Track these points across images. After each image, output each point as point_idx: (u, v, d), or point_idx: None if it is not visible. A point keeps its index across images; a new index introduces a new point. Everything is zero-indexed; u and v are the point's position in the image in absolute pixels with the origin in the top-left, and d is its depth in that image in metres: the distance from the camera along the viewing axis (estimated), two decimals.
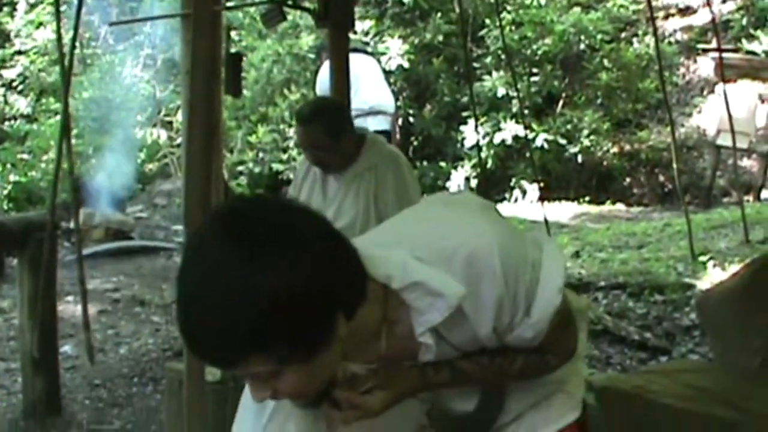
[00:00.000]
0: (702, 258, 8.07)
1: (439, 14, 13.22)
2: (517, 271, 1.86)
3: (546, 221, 8.46)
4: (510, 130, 12.31)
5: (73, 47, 5.73)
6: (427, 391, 1.97)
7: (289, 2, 6.36)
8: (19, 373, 6.21)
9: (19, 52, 14.55)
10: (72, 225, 8.25)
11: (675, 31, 14.36)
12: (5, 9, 15.06)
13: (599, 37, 13.10)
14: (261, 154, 12.80)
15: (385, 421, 1.99)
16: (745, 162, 12.80)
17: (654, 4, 10.86)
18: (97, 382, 6.48)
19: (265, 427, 1.90)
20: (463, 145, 12.77)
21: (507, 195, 12.67)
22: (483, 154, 12.01)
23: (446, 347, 1.90)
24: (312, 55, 12.86)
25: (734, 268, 6.79)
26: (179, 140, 11.71)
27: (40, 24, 14.30)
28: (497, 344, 1.94)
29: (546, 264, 1.94)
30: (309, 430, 1.92)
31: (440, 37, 13.12)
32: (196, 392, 2.84)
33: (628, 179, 13.53)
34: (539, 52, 12.91)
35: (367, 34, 13.23)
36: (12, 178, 11.74)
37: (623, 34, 14.03)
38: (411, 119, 13.12)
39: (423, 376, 1.92)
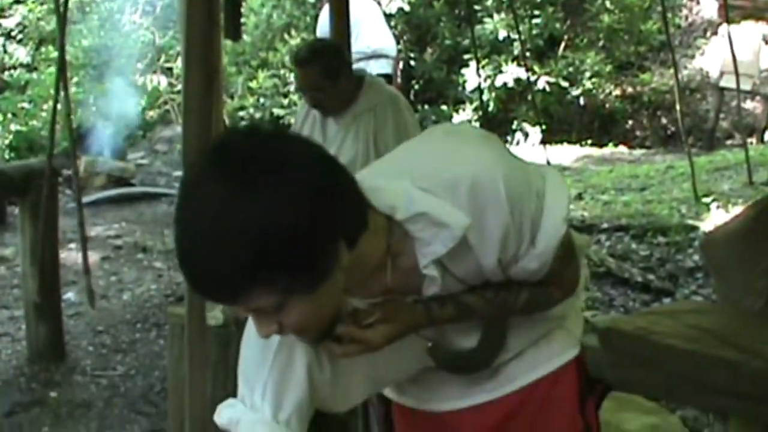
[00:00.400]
0: (705, 200, 8.07)
1: None
2: (522, 201, 1.83)
3: (548, 164, 8.43)
4: (511, 72, 12.23)
5: None
6: (432, 326, 1.95)
7: None
8: (22, 321, 6.21)
9: (18, 1, 14.42)
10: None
11: None
12: None
13: None
14: (262, 100, 12.73)
15: (389, 358, 1.98)
16: (749, 104, 12.75)
17: None
18: (100, 329, 6.49)
19: (273, 362, 1.89)
20: (464, 88, 12.69)
21: (509, 138, 12.61)
22: (484, 97, 11.96)
23: (450, 280, 1.87)
24: None
25: (738, 209, 6.78)
26: (180, 86, 11.64)
27: None
28: (502, 278, 1.92)
29: (550, 193, 1.91)
30: (313, 360, 1.91)
31: None
32: (197, 336, 2.84)
33: (630, 122, 13.49)
34: None
35: None
36: (13, 127, 11.68)
37: None
38: (412, 63, 13.03)
39: (427, 310, 1.90)
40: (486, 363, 2.08)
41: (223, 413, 1.93)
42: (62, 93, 5.74)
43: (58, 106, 5.87)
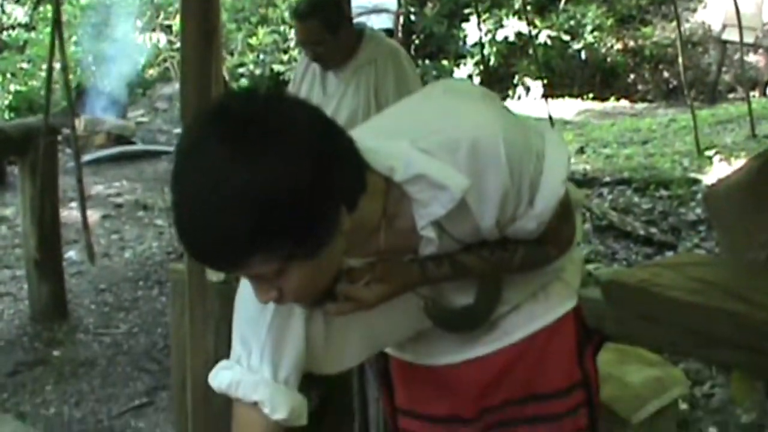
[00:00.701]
0: (708, 153, 8.04)
1: None
2: (522, 162, 1.80)
3: (550, 118, 8.40)
4: (512, 26, 12.19)
5: None
6: (427, 285, 1.93)
7: None
8: (24, 280, 6.21)
9: None
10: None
11: None
12: None
13: None
14: (262, 56, 12.68)
15: (386, 319, 1.97)
16: (751, 57, 12.71)
17: None
18: (102, 287, 6.49)
19: (271, 322, 1.87)
20: (465, 42, 12.65)
21: (510, 92, 12.60)
22: (485, 52, 11.92)
23: (447, 240, 1.85)
24: None
25: (740, 162, 6.75)
26: (179, 44, 11.58)
27: None
28: (498, 237, 1.90)
29: (549, 154, 1.87)
30: (310, 319, 1.89)
31: None
32: (197, 293, 2.82)
33: (632, 75, 13.46)
34: None
35: None
36: (12, 87, 11.66)
37: None
38: (412, 17, 12.98)
39: (423, 269, 1.88)
40: (482, 321, 2.07)
41: (220, 376, 1.90)
42: (58, 51, 5.69)
43: (56, 65, 5.83)
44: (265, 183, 1.49)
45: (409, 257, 1.88)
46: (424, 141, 1.76)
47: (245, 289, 1.86)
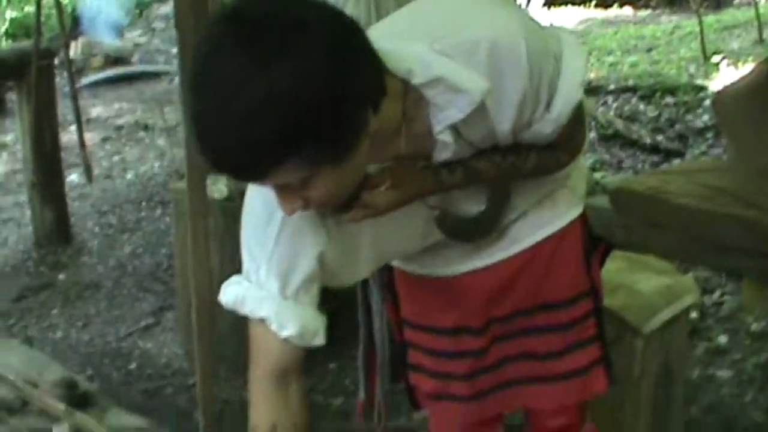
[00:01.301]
0: (714, 59, 7.95)
1: None
2: (541, 64, 1.75)
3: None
4: None
5: None
6: (440, 192, 1.88)
7: None
8: (27, 206, 6.18)
9: None
10: (72, 54, 8.13)
11: None
12: None
13: None
14: None
15: (395, 230, 1.94)
16: None
17: None
18: (105, 209, 6.46)
19: (278, 236, 1.80)
20: None
21: None
22: None
23: (463, 145, 1.81)
24: None
25: (748, 67, 6.66)
26: None
27: None
28: (511, 141, 1.85)
29: (567, 57, 1.84)
30: (320, 231, 1.83)
31: None
32: (199, 211, 2.77)
33: None
34: None
35: None
36: (9, 14, 11.54)
37: None
38: None
39: (436, 176, 1.83)
40: (492, 228, 2.05)
41: (227, 291, 1.86)
42: None
43: None
44: (287, 86, 1.43)
45: (422, 164, 1.83)
46: (441, 43, 1.71)
47: (252, 201, 1.82)
